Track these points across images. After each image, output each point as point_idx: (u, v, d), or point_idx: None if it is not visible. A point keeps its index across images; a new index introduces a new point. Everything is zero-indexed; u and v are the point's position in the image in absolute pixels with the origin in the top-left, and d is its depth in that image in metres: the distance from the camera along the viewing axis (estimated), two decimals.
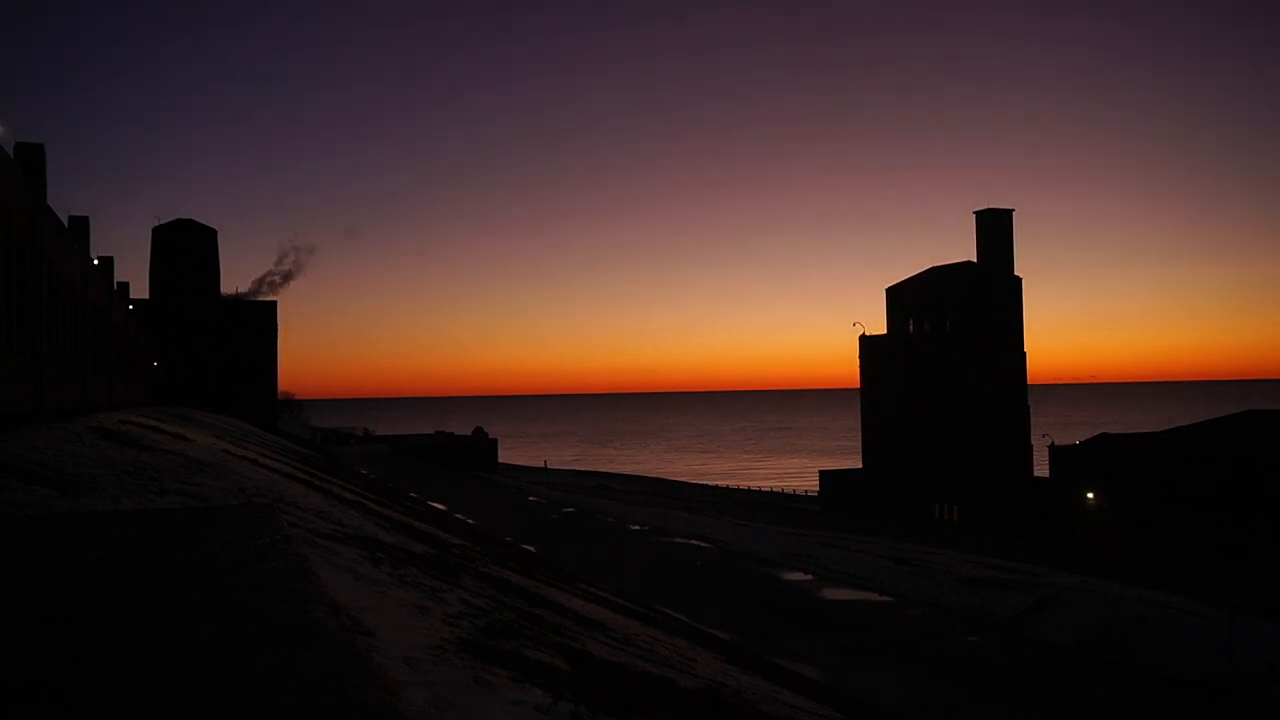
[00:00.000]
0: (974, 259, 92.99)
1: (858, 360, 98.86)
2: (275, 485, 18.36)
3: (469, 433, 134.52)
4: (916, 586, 28.31)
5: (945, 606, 25.90)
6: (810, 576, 30.41)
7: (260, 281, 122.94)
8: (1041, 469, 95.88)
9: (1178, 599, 29.60)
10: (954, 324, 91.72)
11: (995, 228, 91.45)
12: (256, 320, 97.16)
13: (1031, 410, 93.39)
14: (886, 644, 21.62)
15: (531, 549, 33.71)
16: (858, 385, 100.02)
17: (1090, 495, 73.09)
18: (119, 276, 59.48)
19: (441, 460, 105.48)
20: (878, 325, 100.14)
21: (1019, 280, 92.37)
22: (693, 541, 38.53)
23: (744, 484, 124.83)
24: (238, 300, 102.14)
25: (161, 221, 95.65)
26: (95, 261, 48.49)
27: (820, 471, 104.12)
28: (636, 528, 43.90)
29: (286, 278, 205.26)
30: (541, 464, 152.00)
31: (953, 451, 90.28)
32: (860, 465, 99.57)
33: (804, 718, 12.35)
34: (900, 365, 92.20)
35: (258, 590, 2.40)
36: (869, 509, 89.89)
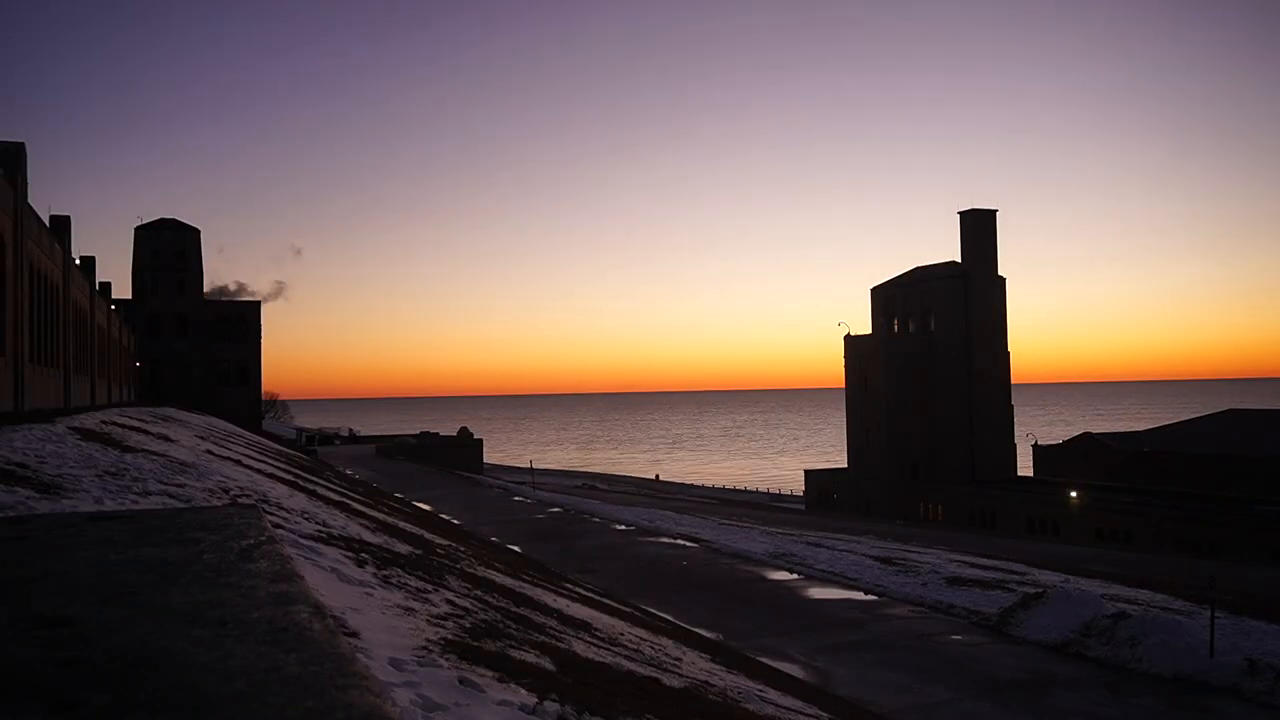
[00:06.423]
0: (958, 259, 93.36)
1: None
2: (259, 486, 18.28)
3: (454, 433, 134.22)
4: (901, 585, 28.39)
5: (930, 605, 26.00)
6: (795, 575, 30.47)
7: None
8: (1025, 468, 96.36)
9: (1160, 596, 29.79)
10: (938, 323, 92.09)
11: (979, 228, 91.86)
12: (241, 320, 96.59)
13: (1015, 409, 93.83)
14: (871, 643, 21.69)
15: (517, 549, 33.67)
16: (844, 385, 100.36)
17: (1074, 493, 73.46)
18: (101, 276, 58.96)
19: (427, 461, 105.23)
20: (864, 325, 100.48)
21: (1003, 280, 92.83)
22: (679, 541, 38.55)
23: (730, 484, 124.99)
24: (222, 299, 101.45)
25: (144, 221, 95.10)
26: (77, 261, 48.17)
27: (805, 471, 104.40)
28: (622, 527, 43.89)
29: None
30: (527, 464, 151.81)
31: (937, 450, 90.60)
32: (845, 464, 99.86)
33: (790, 716, 12.37)
34: (884, 365, 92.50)
35: (241, 592, 2.39)
36: (854, 508, 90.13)
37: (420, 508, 42.34)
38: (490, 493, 66.08)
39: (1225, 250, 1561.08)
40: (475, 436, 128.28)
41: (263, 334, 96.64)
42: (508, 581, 16.75)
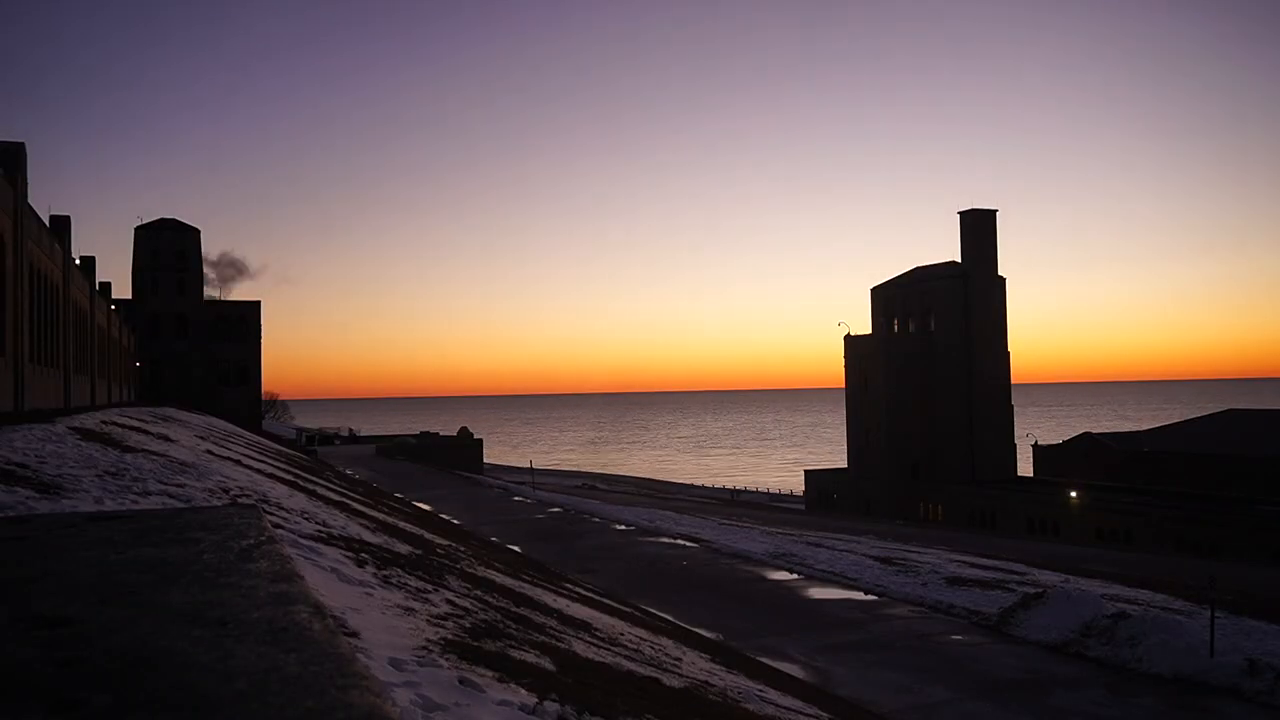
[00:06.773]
0: (958, 259, 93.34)
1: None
2: (259, 486, 18.28)
3: (454, 433, 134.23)
4: (901, 585, 28.39)
5: (930, 605, 25.99)
6: (795, 575, 30.47)
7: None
8: (1025, 468, 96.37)
9: (1160, 596, 29.80)
10: (938, 323, 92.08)
11: (979, 228, 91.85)
12: (241, 320, 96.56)
13: (1015, 409, 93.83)
14: (871, 643, 21.69)
15: (517, 549, 33.68)
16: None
17: (1074, 493, 73.44)
18: (101, 276, 58.98)
19: (427, 460, 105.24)
20: (864, 325, 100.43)
21: (1003, 280, 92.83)
22: (679, 541, 38.56)
23: (730, 484, 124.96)
24: (221, 300, 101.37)
25: (144, 221, 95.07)
26: (77, 261, 48.17)
27: (805, 471, 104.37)
28: (622, 527, 43.89)
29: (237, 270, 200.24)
30: (527, 464, 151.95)
31: (937, 451, 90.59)
32: (845, 465, 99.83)
33: (790, 716, 12.37)
34: (884, 365, 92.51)
35: (241, 592, 2.39)
36: (854, 508, 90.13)
37: (420, 508, 42.35)
38: (490, 493, 66.09)
39: (1225, 250, 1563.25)
40: (475, 436, 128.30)
41: (263, 334, 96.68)
42: (508, 581, 16.76)
